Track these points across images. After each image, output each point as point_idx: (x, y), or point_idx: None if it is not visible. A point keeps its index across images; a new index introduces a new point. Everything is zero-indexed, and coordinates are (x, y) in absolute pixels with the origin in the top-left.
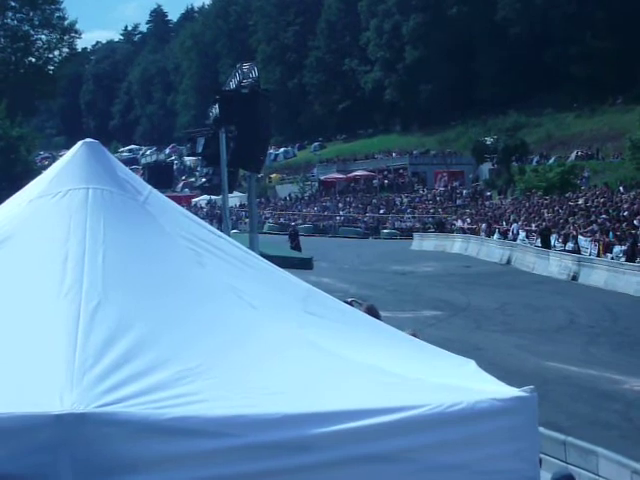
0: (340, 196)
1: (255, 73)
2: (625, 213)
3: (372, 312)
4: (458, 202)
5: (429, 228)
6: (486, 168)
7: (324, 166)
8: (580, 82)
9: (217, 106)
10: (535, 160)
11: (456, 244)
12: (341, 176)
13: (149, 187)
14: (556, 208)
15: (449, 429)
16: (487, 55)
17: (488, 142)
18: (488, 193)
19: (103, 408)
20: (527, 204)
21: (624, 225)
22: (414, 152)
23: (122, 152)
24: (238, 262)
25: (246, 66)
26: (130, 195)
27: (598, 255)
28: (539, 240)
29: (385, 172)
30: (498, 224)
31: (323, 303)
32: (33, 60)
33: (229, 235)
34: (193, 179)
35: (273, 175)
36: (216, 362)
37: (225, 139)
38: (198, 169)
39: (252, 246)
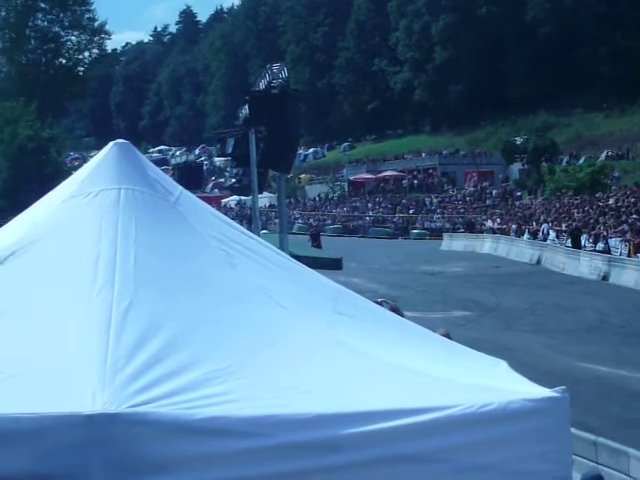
0: (369, 196)
1: (285, 73)
2: None
3: (395, 313)
4: (488, 202)
5: (459, 228)
6: (516, 168)
7: (353, 166)
8: (610, 82)
9: (247, 107)
10: (565, 160)
11: (486, 244)
12: (370, 176)
13: (180, 187)
14: (586, 208)
15: (481, 429)
16: (517, 55)
17: (518, 142)
18: (518, 193)
19: (134, 408)
20: (557, 204)
21: None
22: (444, 152)
23: (152, 153)
24: (268, 262)
25: (276, 67)
26: (161, 195)
27: (629, 255)
28: (569, 240)
29: (414, 172)
30: (528, 224)
31: (353, 303)
32: (63, 61)
33: (259, 235)
34: (223, 180)
35: (302, 175)
36: (246, 362)
37: (255, 140)
38: (228, 170)
39: (282, 246)
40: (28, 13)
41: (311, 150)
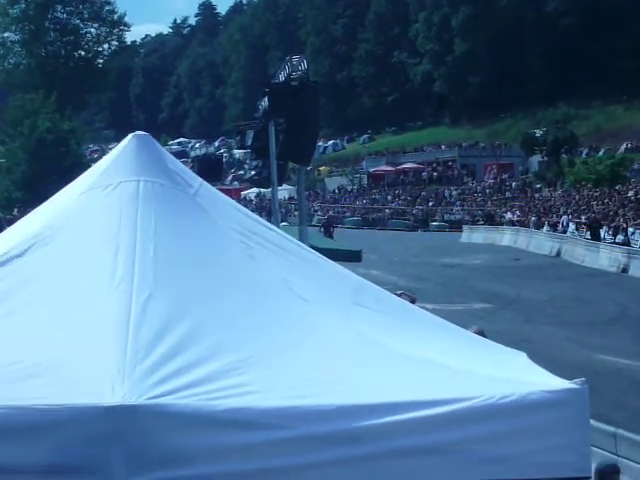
0: (389, 188)
1: (304, 65)
2: None
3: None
4: (507, 194)
5: (478, 220)
6: (535, 160)
7: (373, 158)
8: (630, 74)
9: (266, 99)
10: (584, 152)
11: (505, 236)
12: (390, 168)
13: (200, 180)
14: (606, 200)
15: (500, 421)
16: (536, 47)
17: (537, 134)
18: (537, 185)
19: (154, 400)
20: (577, 196)
21: None
22: (463, 144)
23: (171, 145)
24: (288, 254)
25: (295, 59)
26: (181, 188)
27: None
28: (589, 232)
29: (434, 164)
30: (547, 216)
31: (374, 295)
32: (82, 53)
33: (278, 228)
34: (242, 172)
35: (322, 168)
36: (267, 354)
37: (274, 132)
38: (247, 162)
39: (302, 238)
40: (47, 5)
41: (330, 142)
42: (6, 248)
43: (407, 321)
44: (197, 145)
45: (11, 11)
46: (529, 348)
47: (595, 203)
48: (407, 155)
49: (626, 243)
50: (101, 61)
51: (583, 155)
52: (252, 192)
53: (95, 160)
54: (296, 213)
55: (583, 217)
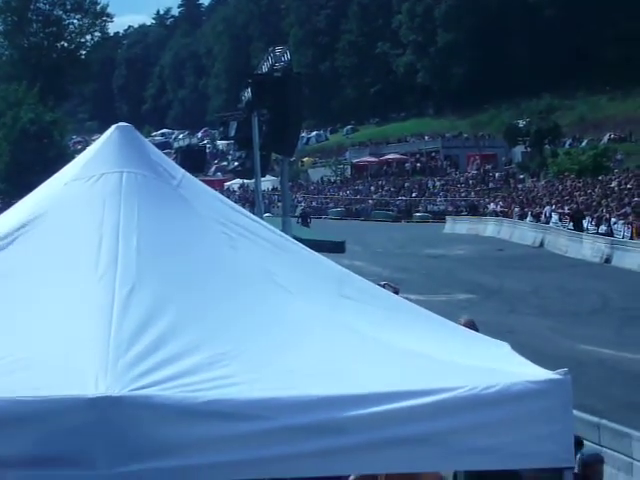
0: (372, 179)
1: (287, 56)
2: None
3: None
4: (491, 185)
5: (461, 211)
6: (519, 151)
7: (356, 149)
8: (613, 64)
9: (249, 90)
10: (568, 143)
11: (489, 227)
12: (373, 159)
13: (182, 171)
14: (589, 191)
15: (483, 411)
16: (520, 37)
17: (521, 125)
18: (521, 176)
19: (137, 391)
20: (560, 187)
21: None
22: (446, 135)
23: (154, 136)
24: (272, 246)
25: (278, 49)
26: (163, 179)
27: (631, 238)
28: (572, 223)
29: (417, 155)
30: (531, 207)
31: (357, 286)
32: (65, 45)
33: (262, 219)
34: (225, 163)
35: (305, 159)
36: (250, 345)
37: (257, 123)
38: (231, 153)
39: (285, 229)
40: None
41: (314, 133)
42: None
43: (390, 312)
44: (180, 136)
45: None
46: (512, 338)
47: (578, 194)
48: (390, 146)
49: (609, 234)
50: (84, 52)
51: (566, 146)
52: (235, 183)
53: (79, 151)
54: (279, 204)
55: (566, 207)
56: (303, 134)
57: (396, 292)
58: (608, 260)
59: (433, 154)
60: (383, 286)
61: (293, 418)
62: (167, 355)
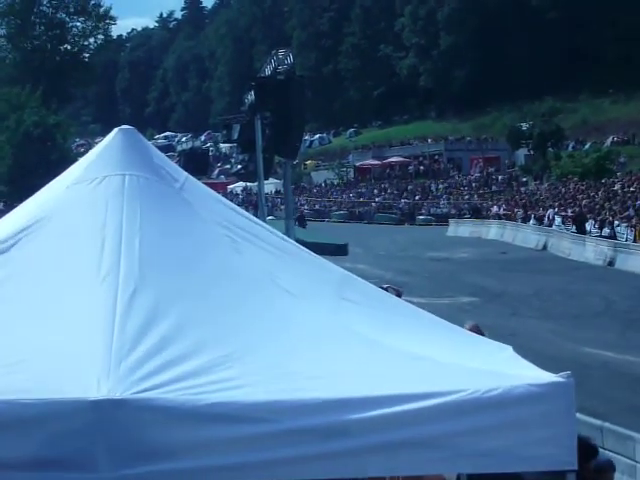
0: (375, 182)
1: (290, 59)
2: None
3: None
4: (494, 188)
5: (464, 214)
6: (522, 154)
7: (359, 152)
8: (616, 67)
9: (252, 93)
10: (571, 146)
11: (492, 230)
12: (376, 162)
13: (185, 174)
14: (592, 194)
15: (486, 414)
16: (522, 40)
17: (523, 128)
18: (524, 179)
19: (140, 394)
20: (563, 190)
21: None
22: (449, 138)
23: (157, 139)
24: (275, 249)
25: (281, 52)
26: (166, 182)
27: (635, 240)
28: (575, 226)
29: (420, 158)
30: (534, 210)
31: (359, 289)
32: (68, 47)
33: (265, 222)
34: (228, 166)
35: (308, 162)
36: (253, 348)
37: (260, 126)
38: (234, 156)
39: (288, 233)
40: None
41: (317, 136)
42: None
43: (393, 315)
44: (183, 139)
45: None
46: (515, 341)
47: (581, 196)
48: (393, 149)
49: (612, 236)
50: (87, 55)
51: (569, 148)
52: (238, 186)
53: (81, 154)
54: (282, 207)
55: (569, 210)
56: (306, 137)
57: (399, 295)
58: (611, 263)
59: (436, 157)
60: (386, 289)
61: (298, 421)
62: (170, 357)
